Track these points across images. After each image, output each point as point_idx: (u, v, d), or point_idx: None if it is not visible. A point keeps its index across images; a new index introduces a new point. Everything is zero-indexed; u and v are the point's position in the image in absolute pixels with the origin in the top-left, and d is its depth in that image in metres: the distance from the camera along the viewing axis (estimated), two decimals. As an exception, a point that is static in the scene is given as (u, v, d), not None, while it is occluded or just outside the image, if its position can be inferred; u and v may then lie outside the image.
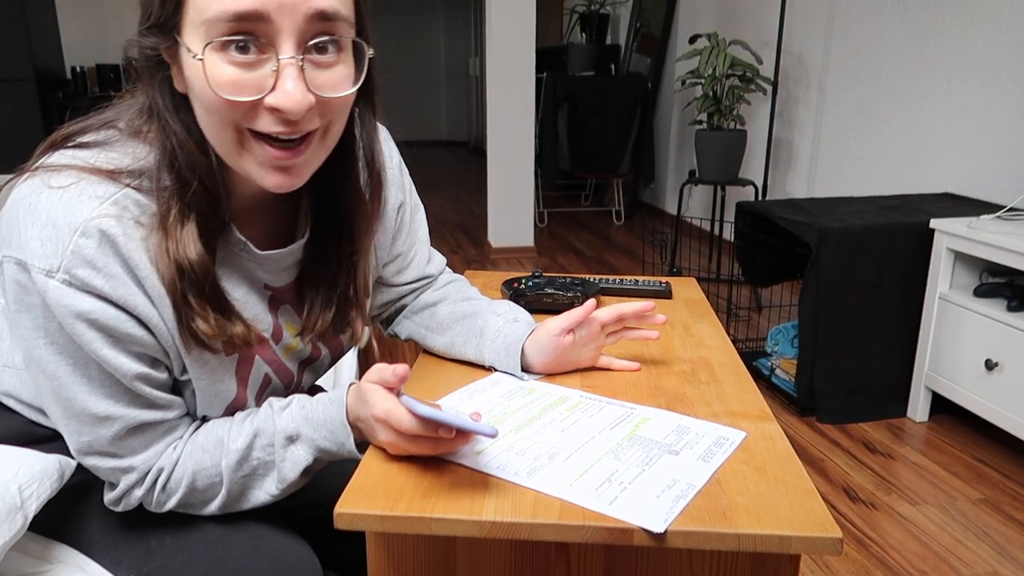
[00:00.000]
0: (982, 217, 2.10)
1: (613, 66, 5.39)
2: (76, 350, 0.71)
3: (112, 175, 0.70)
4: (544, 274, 1.24)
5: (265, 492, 0.81)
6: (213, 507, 0.82)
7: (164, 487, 0.79)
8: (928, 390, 2.21)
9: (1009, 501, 1.83)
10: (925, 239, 2.15)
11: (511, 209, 4.19)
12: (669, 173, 5.06)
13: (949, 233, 2.06)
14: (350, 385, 0.79)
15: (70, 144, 0.73)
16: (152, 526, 0.85)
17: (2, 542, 0.76)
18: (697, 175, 3.40)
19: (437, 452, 0.74)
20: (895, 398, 2.27)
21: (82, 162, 0.71)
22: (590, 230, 4.88)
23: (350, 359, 1.84)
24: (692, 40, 3.56)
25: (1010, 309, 1.94)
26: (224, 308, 0.76)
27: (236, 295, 0.79)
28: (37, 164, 0.71)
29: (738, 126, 3.30)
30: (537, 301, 1.17)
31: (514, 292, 1.18)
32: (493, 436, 0.68)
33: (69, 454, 0.86)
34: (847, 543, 1.67)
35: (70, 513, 0.88)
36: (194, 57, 0.65)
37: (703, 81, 3.24)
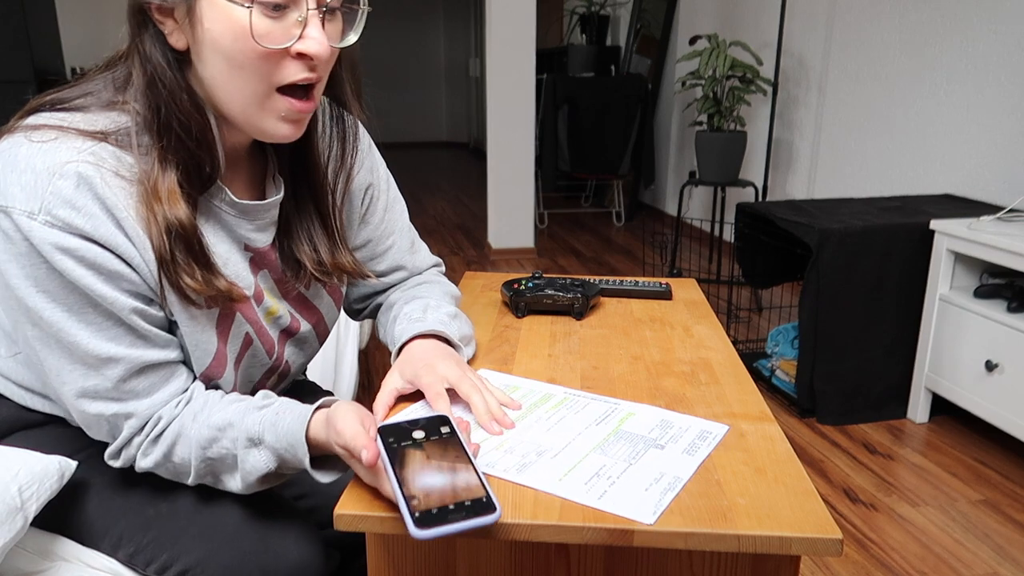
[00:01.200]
0: (982, 218, 2.10)
1: (613, 67, 5.39)
2: (68, 295, 0.71)
3: (91, 134, 0.73)
4: (544, 275, 1.24)
5: (235, 482, 0.80)
6: (190, 480, 0.82)
7: (156, 440, 0.79)
8: (928, 391, 2.21)
9: (1009, 502, 1.83)
10: (925, 240, 2.15)
11: (511, 210, 4.19)
12: (669, 174, 5.06)
13: (949, 234, 2.06)
14: (318, 407, 0.77)
15: (47, 108, 0.76)
16: (149, 498, 0.86)
17: (2, 543, 0.76)
18: (697, 176, 3.40)
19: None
20: (895, 399, 2.27)
21: (60, 121, 0.74)
22: (590, 231, 4.88)
23: (351, 357, 1.84)
24: (692, 41, 3.56)
25: (1010, 310, 1.94)
26: (209, 264, 0.78)
27: (218, 251, 0.81)
28: (16, 124, 0.74)
29: (738, 127, 3.30)
30: (537, 302, 1.18)
31: (514, 293, 1.18)
32: (496, 520, 0.61)
33: (63, 444, 0.87)
34: (847, 544, 1.67)
35: (68, 505, 0.88)
36: (242, 5, 0.70)
37: (703, 82, 3.24)
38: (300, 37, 0.73)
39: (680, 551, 0.69)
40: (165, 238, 0.74)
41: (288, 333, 0.94)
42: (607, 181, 5.29)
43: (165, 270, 0.75)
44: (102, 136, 0.74)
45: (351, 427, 0.69)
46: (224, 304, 0.81)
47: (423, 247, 1.12)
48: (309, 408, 0.77)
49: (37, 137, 0.71)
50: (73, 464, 0.85)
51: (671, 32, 4.96)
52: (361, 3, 0.79)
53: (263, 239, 0.87)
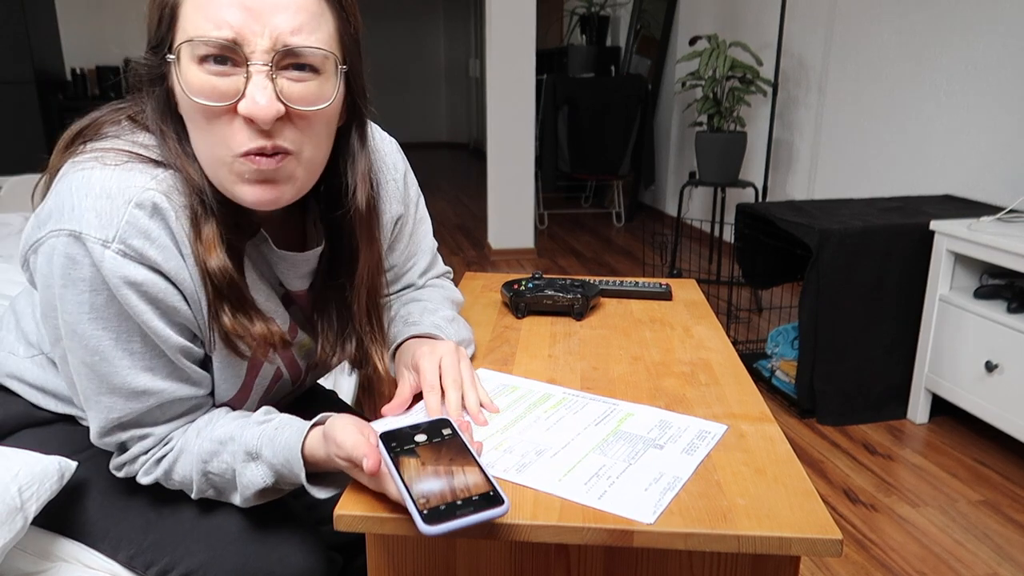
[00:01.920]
0: (982, 219, 2.10)
1: (613, 68, 5.39)
2: (120, 323, 0.72)
3: (154, 161, 0.73)
4: (544, 276, 1.24)
5: (237, 497, 0.80)
6: (191, 494, 0.82)
7: (160, 459, 0.80)
8: (928, 392, 2.21)
9: (1009, 503, 1.83)
10: (925, 241, 2.15)
11: (511, 211, 4.19)
12: (669, 175, 5.06)
13: (949, 235, 2.06)
14: (315, 423, 0.76)
15: (97, 137, 0.76)
16: (151, 500, 0.86)
17: (2, 543, 0.76)
18: (697, 177, 3.40)
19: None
20: (895, 400, 2.27)
21: (127, 144, 0.73)
22: (590, 232, 4.88)
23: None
24: (692, 42, 3.56)
25: (1010, 311, 1.94)
26: (245, 308, 0.77)
27: (258, 297, 0.81)
28: (74, 150, 0.74)
29: (738, 128, 3.30)
30: (537, 303, 1.18)
31: (514, 294, 1.18)
32: (504, 513, 0.61)
33: (71, 443, 0.87)
34: (847, 545, 1.67)
35: (70, 505, 0.88)
36: (178, 68, 0.69)
37: (703, 83, 3.24)
38: (242, 96, 0.68)
39: (680, 551, 0.69)
40: (207, 282, 0.74)
41: (313, 363, 0.94)
42: (607, 182, 5.29)
43: (209, 308, 0.75)
44: (163, 164, 0.73)
45: (351, 437, 0.68)
46: (260, 351, 0.80)
47: (439, 261, 1.11)
48: (306, 424, 0.76)
49: (110, 160, 0.71)
50: (73, 464, 0.85)
51: (671, 33, 4.96)
52: (335, 60, 0.72)
53: (300, 284, 0.87)
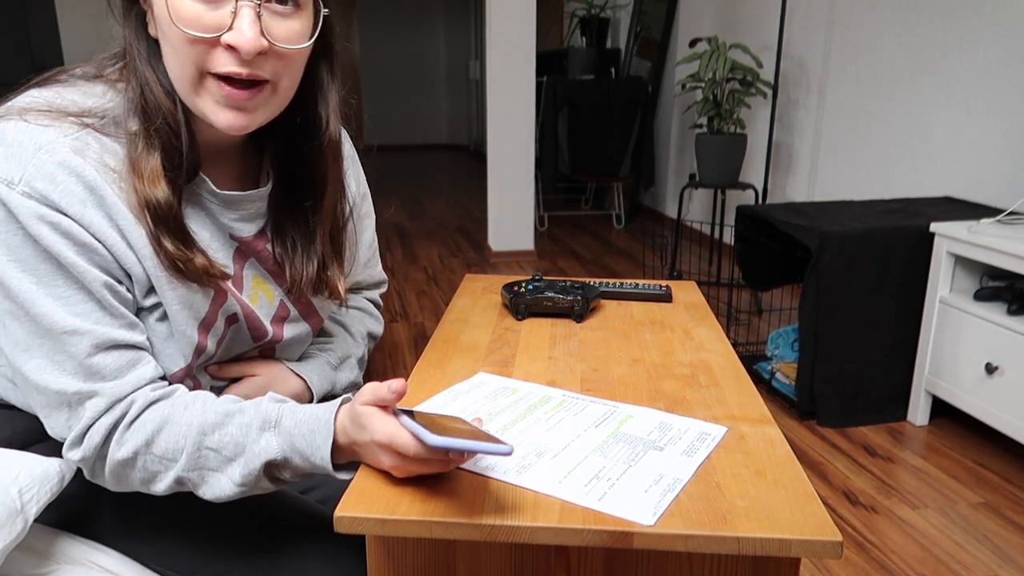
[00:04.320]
0: (982, 221, 2.10)
1: (613, 70, 5.39)
2: (40, 265, 0.72)
3: (76, 115, 0.75)
4: (544, 277, 1.24)
5: (228, 478, 0.75)
6: (168, 477, 0.76)
7: (130, 424, 0.76)
8: (928, 394, 2.21)
9: (1009, 505, 1.83)
10: (925, 243, 2.15)
11: (511, 213, 4.19)
12: (669, 177, 5.06)
13: (949, 237, 2.06)
14: (342, 402, 0.76)
15: (44, 84, 0.80)
16: (165, 512, 0.86)
17: (2, 545, 0.76)
18: (697, 179, 3.40)
19: (447, 469, 0.72)
20: (895, 402, 2.27)
21: (49, 105, 0.76)
22: (590, 234, 4.88)
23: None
24: (692, 44, 3.57)
25: (1010, 313, 1.94)
26: (188, 243, 0.78)
27: (201, 238, 0.82)
28: (12, 106, 0.76)
29: (738, 130, 3.30)
30: (537, 305, 1.18)
31: (514, 295, 1.18)
32: (509, 454, 0.65)
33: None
34: (847, 547, 1.67)
35: (80, 503, 0.88)
36: None
37: (703, 85, 3.25)
38: (230, 28, 0.72)
39: (680, 553, 0.69)
40: (147, 215, 0.75)
41: (280, 319, 0.94)
42: (607, 183, 5.30)
43: (151, 240, 0.76)
44: (87, 117, 0.75)
45: (380, 418, 0.71)
46: (208, 282, 0.81)
47: (378, 263, 1.13)
48: (334, 403, 0.76)
49: (31, 119, 0.73)
50: (74, 467, 0.84)
51: (671, 34, 4.96)
52: (315, 2, 0.77)
53: (248, 228, 0.87)
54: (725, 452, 0.77)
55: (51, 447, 0.86)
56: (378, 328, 1.11)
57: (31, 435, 0.88)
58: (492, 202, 4.19)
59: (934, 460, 2.05)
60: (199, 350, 0.83)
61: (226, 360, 0.90)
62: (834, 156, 3.34)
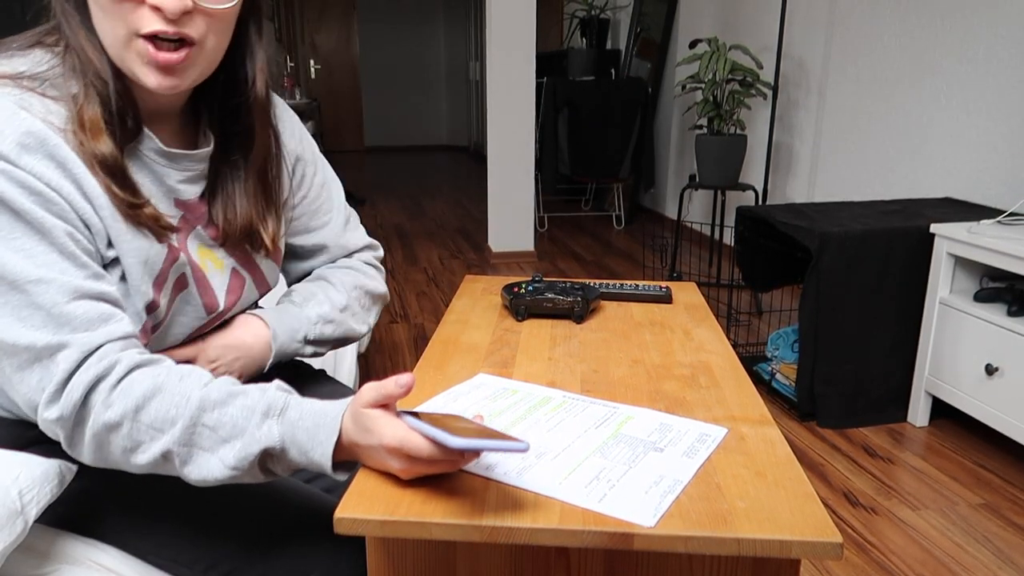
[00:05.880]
0: (982, 222, 2.10)
1: (613, 71, 5.39)
2: None
3: (11, 78, 0.76)
4: (544, 279, 1.24)
5: (219, 460, 0.72)
6: (154, 448, 0.73)
7: (117, 384, 0.73)
8: (928, 395, 2.21)
9: (1010, 506, 1.83)
10: (925, 244, 2.15)
11: (511, 214, 4.19)
12: (669, 178, 5.06)
13: (949, 238, 2.06)
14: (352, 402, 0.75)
15: None
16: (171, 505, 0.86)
17: (2, 546, 0.76)
18: (697, 180, 3.41)
19: (455, 469, 0.72)
20: (895, 403, 2.27)
21: (13, 60, 0.77)
22: (590, 235, 4.88)
23: (350, 360, 1.84)
24: (692, 45, 3.57)
25: (1010, 314, 1.94)
26: (137, 194, 0.80)
27: (149, 195, 0.83)
28: None
29: (738, 131, 3.30)
30: (537, 306, 1.18)
31: (514, 297, 1.18)
32: (526, 451, 0.66)
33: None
34: (847, 548, 1.67)
35: (80, 502, 0.88)
36: None
37: (703, 86, 3.25)
38: None
39: (680, 554, 0.69)
40: (96, 165, 0.76)
41: (236, 290, 0.95)
42: (607, 184, 5.30)
43: (105, 190, 0.77)
44: (25, 80, 0.76)
45: (387, 421, 0.71)
46: (160, 233, 0.82)
47: (359, 227, 1.13)
48: (343, 402, 0.74)
49: None
50: (75, 467, 0.84)
51: (671, 35, 4.96)
52: None
53: (191, 191, 0.88)
54: (725, 453, 0.77)
55: (51, 448, 0.85)
56: (374, 284, 1.09)
57: (19, 440, 0.88)
58: (492, 203, 4.19)
59: (934, 461, 2.05)
60: (152, 306, 0.82)
61: (182, 342, 0.91)
62: (834, 157, 3.34)
